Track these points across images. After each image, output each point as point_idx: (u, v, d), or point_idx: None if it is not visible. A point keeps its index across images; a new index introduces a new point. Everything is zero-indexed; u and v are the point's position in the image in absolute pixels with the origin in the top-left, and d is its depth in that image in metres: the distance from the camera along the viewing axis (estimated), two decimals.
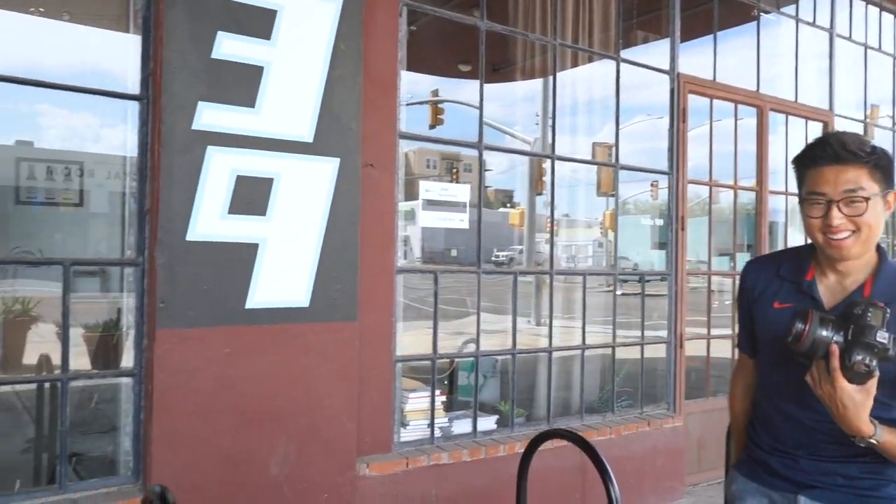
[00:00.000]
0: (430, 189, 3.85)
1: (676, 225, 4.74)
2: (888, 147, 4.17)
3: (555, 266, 4.36)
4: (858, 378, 1.46)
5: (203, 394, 2.87)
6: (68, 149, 5.98)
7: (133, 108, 2.97)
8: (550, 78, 4.28)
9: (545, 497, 3.71)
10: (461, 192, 3.91)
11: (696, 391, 5.07)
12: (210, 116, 2.90)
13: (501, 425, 4.02)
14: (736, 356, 2.23)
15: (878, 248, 1.70)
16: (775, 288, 1.80)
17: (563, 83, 4.52)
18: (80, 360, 3.82)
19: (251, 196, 3.00)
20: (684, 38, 4.84)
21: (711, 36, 4.99)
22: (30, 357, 4.33)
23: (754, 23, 5.28)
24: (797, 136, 5.51)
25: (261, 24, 3.01)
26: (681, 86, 4.74)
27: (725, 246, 5.92)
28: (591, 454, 2.26)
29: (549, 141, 4.32)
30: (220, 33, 2.91)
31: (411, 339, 4.26)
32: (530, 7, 4.45)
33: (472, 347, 4.06)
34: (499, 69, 5.57)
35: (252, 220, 3.00)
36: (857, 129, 6.03)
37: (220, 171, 2.92)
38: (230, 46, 2.94)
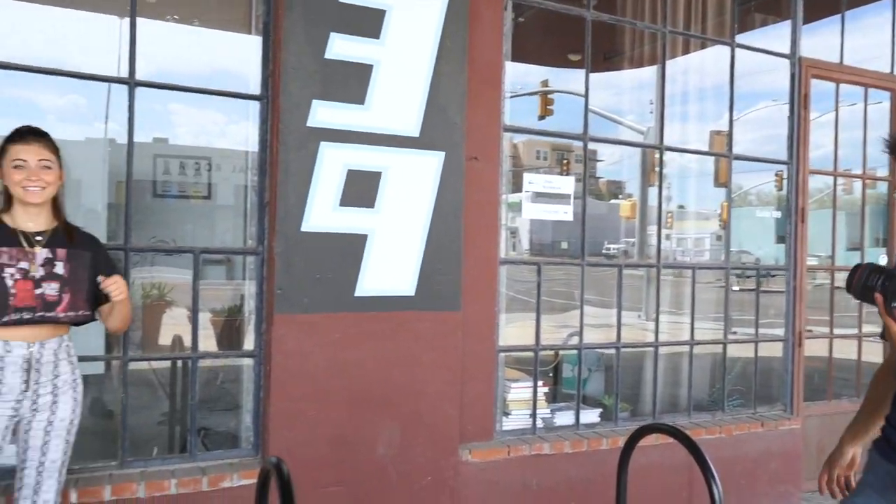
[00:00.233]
0: (533, 181, 3.86)
1: (796, 217, 4.50)
2: None
3: (668, 259, 4.25)
4: None
5: (315, 376, 3.05)
6: (198, 144, 6.43)
7: (254, 106, 3.19)
8: (661, 67, 4.17)
9: (649, 494, 3.66)
10: (566, 183, 3.89)
11: (817, 393, 4.80)
12: (323, 114, 3.06)
13: (605, 419, 3.99)
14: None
15: None
16: None
17: (679, 70, 4.40)
18: (208, 341, 4.13)
19: (361, 189, 3.14)
20: (808, 20, 4.56)
21: (839, 16, 4.67)
22: (165, 338, 4.71)
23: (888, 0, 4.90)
24: None
25: (370, 24, 3.14)
26: (803, 70, 4.48)
27: (858, 240, 5.54)
28: (692, 450, 2.22)
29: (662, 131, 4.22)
30: (332, 34, 3.06)
31: (518, 331, 4.30)
32: None
33: (576, 340, 4.05)
34: (610, 58, 5.47)
35: (361, 212, 3.14)
36: None
37: (332, 166, 3.08)
38: (342, 46, 3.09)
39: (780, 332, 4.58)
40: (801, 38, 4.49)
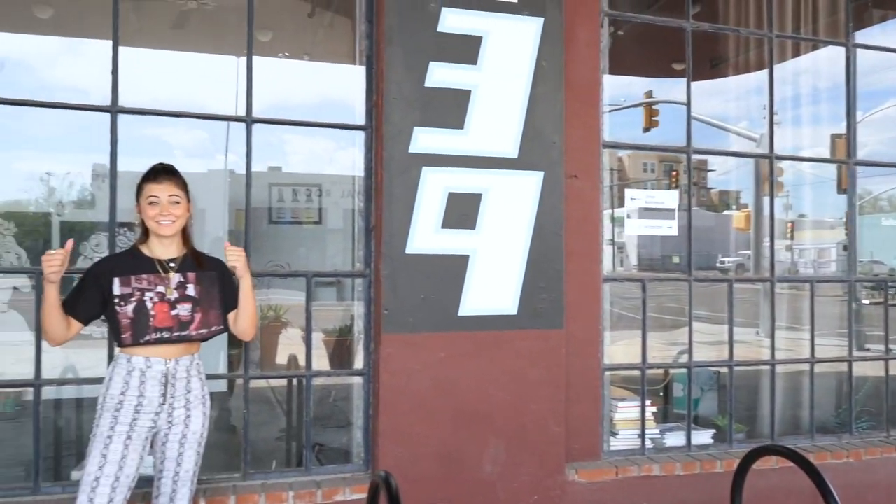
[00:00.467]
0: (635, 197, 3.80)
1: None
2: None
3: (789, 272, 4.06)
4: None
5: (421, 394, 3.14)
6: (309, 171, 6.76)
7: (360, 136, 3.35)
8: (769, 74, 4.01)
9: None
10: (669, 198, 3.81)
11: None
12: (424, 140, 3.17)
13: (718, 440, 3.84)
14: None
15: None
16: None
17: (797, 70, 4.20)
18: (321, 360, 4.32)
19: (462, 211, 3.21)
20: None
21: None
22: (281, 357, 4.96)
23: None
24: None
25: (468, 51, 3.23)
26: None
27: None
28: (811, 473, 2.12)
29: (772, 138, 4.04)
30: (431, 63, 3.18)
31: (626, 349, 4.21)
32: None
33: (685, 358, 3.93)
34: (716, 65, 5.32)
35: (463, 234, 3.22)
36: None
37: (433, 190, 3.18)
38: (441, 74, 3.19)
39: None
40: None
